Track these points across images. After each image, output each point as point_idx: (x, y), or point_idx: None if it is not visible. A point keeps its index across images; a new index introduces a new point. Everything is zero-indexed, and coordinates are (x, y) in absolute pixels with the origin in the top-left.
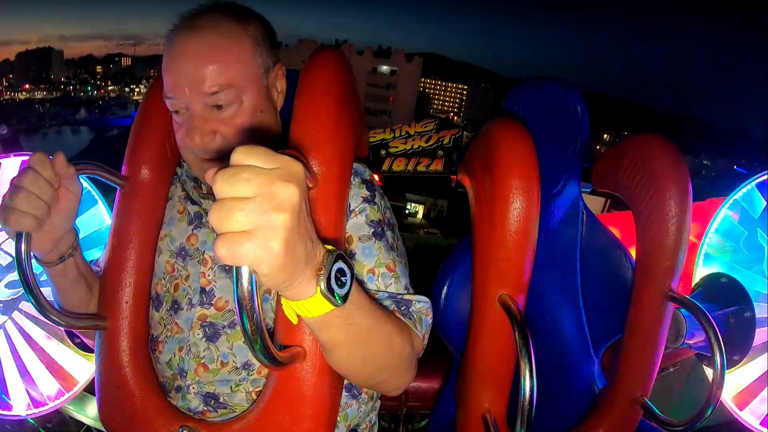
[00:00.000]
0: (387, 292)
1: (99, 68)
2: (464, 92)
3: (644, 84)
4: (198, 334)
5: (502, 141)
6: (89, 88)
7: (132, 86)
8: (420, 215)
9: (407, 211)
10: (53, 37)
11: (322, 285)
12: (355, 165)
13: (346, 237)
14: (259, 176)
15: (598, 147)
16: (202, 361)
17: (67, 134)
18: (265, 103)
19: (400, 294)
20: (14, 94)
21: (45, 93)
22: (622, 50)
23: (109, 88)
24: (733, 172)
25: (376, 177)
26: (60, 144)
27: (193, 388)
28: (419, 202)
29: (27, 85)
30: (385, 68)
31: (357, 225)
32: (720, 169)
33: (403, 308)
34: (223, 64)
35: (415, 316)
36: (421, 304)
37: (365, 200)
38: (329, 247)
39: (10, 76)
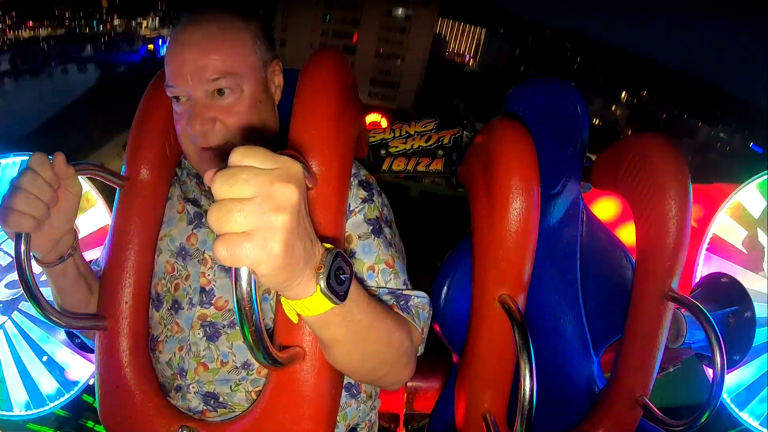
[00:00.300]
0: (387, 288)
1: (104, 1)
2: (482, 36)
3: (668, 44)
4: (198, 334)
5: (502, 141)
6: (95, 23)
7: (139, 19)
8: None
9: None
10: None
11: (322, 283)
12: (353, 166)
13: (346, 236)
14: (258, 177)
15: (613, 108)
16: (202, 361)
17: (74, 73)
18: (264, 95)
19: (399, 289)
20: (18, 33)
21: (49, 29)
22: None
23: (116, 22)
24: (749, 150)
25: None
26: (67, 83)
27: (193, 387)
28: None
29: (30, 22)
30: (399, 12)
31: (356, 223)
32: (736, 146)
33: (402, 303)
34: (225, 53)
35: (413, 311)
36: (419, 299)
37: (363, 200)
38: (328, 245)
39: (13, 13)
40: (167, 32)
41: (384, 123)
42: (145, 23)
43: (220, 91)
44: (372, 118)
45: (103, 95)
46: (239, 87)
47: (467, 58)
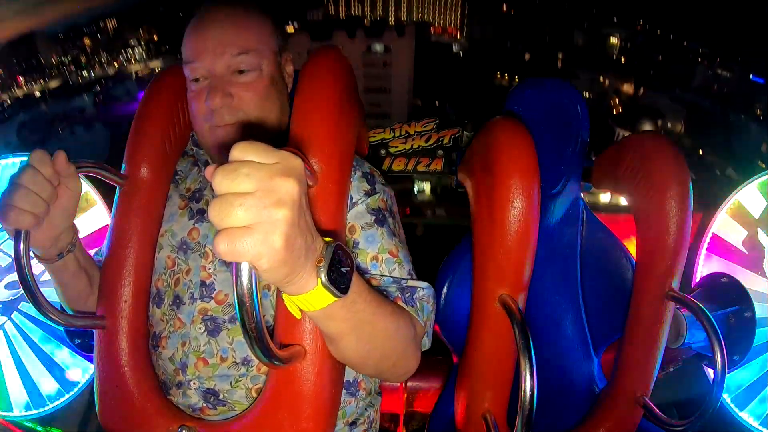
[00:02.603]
0: (391, 276)
1: (87, 41)
2: (465, 8)
3: None
4: (199, 329)
5: (502, 141)
6: (84, 66)
7: (127, 52)
8: (428, 191)
9: (416, 189)
10: (28, 8)
11: (323, 277)
12: (354, 159)
13: (349, 227)
14: (258, 171)
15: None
16: (202, 356)
17: (81, 134)
18: (278, 78)
19: (404, 279)
20: (13, 91)
21: (42, 83)
22: None
23: (104, 61)
24: (749, 83)
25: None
26: (77, 145)
27: (194, 383)
28: (425, 180)
29: (20, 78)
30: (378, 47)
31: (358, 214)
32: (734, 82)
33: (407, 295)
34: (248, 31)
35: (418, 303)
36: (424, 291)
37: (366, 193)
38: (328, 239)
39: (0, 71)
40: (158, 64)
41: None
42: (134, 56)
43: (241, 71)
44: None
45: (113, 155)
46: (259, 66)
47: (451, 29)
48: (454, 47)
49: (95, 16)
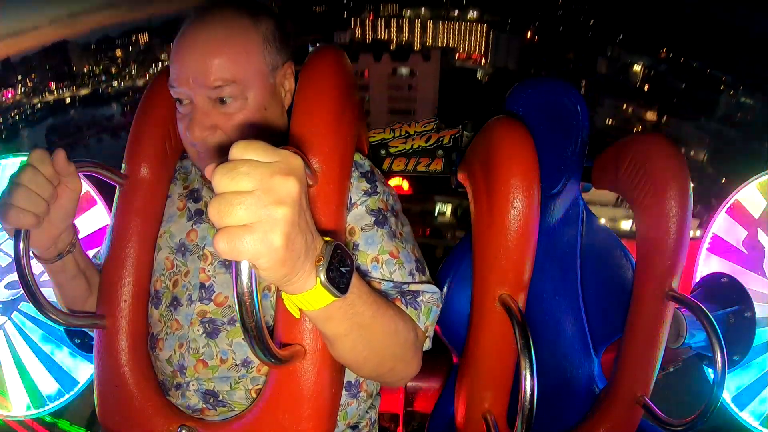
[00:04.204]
0: (392, 281)
1: (119, 52)
2: (490, 35)
3: None
4: (197, 330)
5: (502, 141)
6: (114, 76)
7: (157, 65)
8: (448, 213)
9: (437, 212)
10: (63, 17)
11: (322, 276)
12: (354, 159)
13: (349, 229)
14: (258, 169)
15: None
16: (201, 358)
17: (108, 141)
18: (270, 101)
19: (405, 283)
20: (44, 96)
21: (74, 89)
22: None
23: (133, 73)
24: None
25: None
26: (102, 153)
27: (193, 385)
28: (447, 202)
29: (52, 83)
30: (404, 70)
31: (358, 215)
32: (760, 109)
33: (408, 298)
34: (230, 58)
35: (423, 307)
36: (429, 294)
37: (366, 193)
38: (327, 238)
39: (33, 75)
40: None
41: (405, 186)
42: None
43: (222, 100)
44: (394, 182)
45: None
46: (243, 94)
47: (477, 55)
48: (478, 73)
49: (128, 29)
